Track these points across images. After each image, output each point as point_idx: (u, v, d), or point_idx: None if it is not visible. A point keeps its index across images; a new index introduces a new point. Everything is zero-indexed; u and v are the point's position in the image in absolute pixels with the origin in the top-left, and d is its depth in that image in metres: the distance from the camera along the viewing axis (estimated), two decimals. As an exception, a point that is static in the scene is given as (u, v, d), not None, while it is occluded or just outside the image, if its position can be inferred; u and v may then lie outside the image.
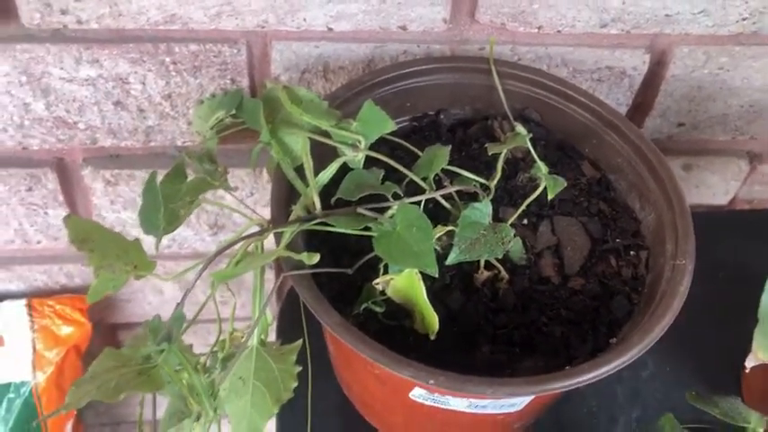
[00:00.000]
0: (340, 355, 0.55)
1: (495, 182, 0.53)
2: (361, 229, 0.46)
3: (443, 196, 0.50)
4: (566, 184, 0.52)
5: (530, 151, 0.58)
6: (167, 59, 0.60)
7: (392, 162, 0.49)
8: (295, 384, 0.54)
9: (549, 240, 0.54)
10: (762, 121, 0.73)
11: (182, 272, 0.48)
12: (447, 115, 0.61)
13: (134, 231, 0.75)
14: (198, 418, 0.46)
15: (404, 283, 0.46)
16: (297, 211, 0.48)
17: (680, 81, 0.67)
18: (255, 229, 0.48)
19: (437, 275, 0.44)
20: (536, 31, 0.61)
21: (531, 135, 0.55)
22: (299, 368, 0.54)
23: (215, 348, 0.55)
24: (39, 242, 0.75)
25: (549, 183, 0.51)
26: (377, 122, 0.49)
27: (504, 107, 0.58)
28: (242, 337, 0.54)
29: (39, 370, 0.76)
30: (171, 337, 0.44)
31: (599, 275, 0.52)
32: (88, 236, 0.48)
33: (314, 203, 0.48)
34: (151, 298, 0.84)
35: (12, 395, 0.76)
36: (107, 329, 0.88)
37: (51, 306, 0.77)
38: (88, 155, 0.68)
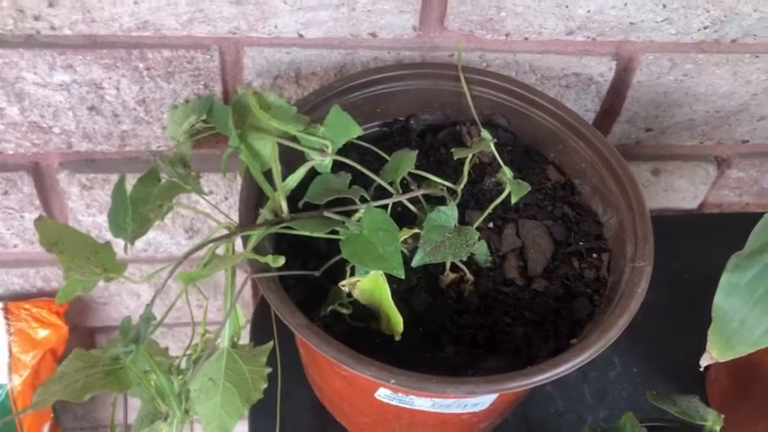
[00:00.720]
0: (309, 357, 0.56)
1: (462, 186, 0.54)
2: (327, 233, 0.47)
3: (410, 200, 0.51)
4: (529, 189, 0.53)
5: (493, 160, 0.59)
6: (141, 65, 0.61)
7: (359, 166, 0.50)
8: (265, 385, 0.54)
9: (514, 243, 0.55)
10: (727, 127, 0.75)
11: (152, 274, 0.48)
12: (417, 121, 0.62)
13: (109, 236, 0.75)
14: (166, 419, 0.47)
15: (369, 285, 0.47)
16: (264, 214, 0.49)
17: (646, 87, 0.69)
18: (224, 232, 0.49)
19: (403, 277, 0.45)
20: (504, 38, 0.63)
21: (496, 140, 0.56)
22: (270, 369, 0.55)
23: (188, 351, 0.55)
24: (15, 246, 0.76)
25: (513, 187, 0.52)
26: (344, 127, 0.50)
27: (472, 113, 0.60)
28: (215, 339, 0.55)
29: (15, 373, 0.77)
30: (139, 338, 0.45)
31: (562, 277, 0.54)
32: (59, 238, 0.49)
33: (281, 207, 0.49)
34: (128, 301, 0.84)
35: (-13, 398, 0.76)
36: (84, 333, 0.88)
37: (28, 309, 0.78)
38: (64, 159, 0.69)
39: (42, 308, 0.78)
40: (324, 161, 0.50)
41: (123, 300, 0.84)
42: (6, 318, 0.77)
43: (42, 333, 0.78)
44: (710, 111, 0.73)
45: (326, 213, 0.47)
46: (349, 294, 0.49)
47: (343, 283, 0.47)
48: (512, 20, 0.61)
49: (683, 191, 0.82)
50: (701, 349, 0.52)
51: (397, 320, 0.46)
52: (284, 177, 0.51)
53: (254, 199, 0.51)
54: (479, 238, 0.51)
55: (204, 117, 0.55)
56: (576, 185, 0.59)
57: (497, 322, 0.51)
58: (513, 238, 0.55)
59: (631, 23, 0.62)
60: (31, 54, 0.59)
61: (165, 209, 0.51)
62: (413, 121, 0.62)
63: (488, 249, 0.54)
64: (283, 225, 0.47)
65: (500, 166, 0.56)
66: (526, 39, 0.63)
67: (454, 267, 0.53)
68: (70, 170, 0.69)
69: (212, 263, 0.45)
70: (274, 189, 0.49)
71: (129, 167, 0.70)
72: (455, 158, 0.53)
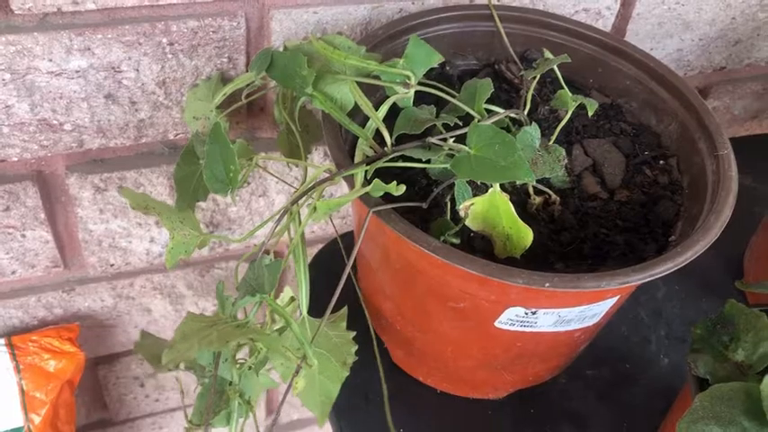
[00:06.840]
0: (408, 303, 0.53)
1: (526, 113, 0.54)
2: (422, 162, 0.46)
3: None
4: (597, 104, 0.54)
5: (540, 89, 0.60)
6: (164, 40, 0.57)
7: (444, 95, 0.49)
8: (356, 348, 0.52)
9: (585, 162, 0.55)
10: (708, 55, 0.80)
11: (258, 226, 0.45)
12: (452, 66, 0.62)
13: (123, 243, 0.70)
14: (298, 372, 0.44)
15: (484, 205, 0.46)
16: (361, 151, 0.47)
17: (643, 20, 0.72)
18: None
19: (534, 183, 0.44)
20: (522, -23, 0.64)
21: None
22: (354, 333, 0.52)
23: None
24: (13, 272, 0.69)
25: (587, 103, 0.53)
26: (424, 57, 0.49)
27: (506, 51, 0.60)
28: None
29: (32, 413, 0.69)
30: (265, 286, 0.41)
31: (639, 186, 0.55)
32: (147, 204, 0.45)
33: (374, 144, 0.47)
34: (138, 319, 0.78)
35: (5, 446, 0.68)
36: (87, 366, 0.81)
37: (36, 341, 0.70)
38: (70, 162, 0.63)
39: (52, 336, 0.71)
40: (408, 93, 0.49)
41: (133, 318, 0.78)
42: (13, 354, 0.69)
43: (56, 364, 0.70)
44: (695, 39, 0.77)
45: (430, 140, 0.46)
46: (457, 222, 0.47)
47: (461, 206, 0.46)
48: (529, -42, 0.63)
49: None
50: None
51: (525, 233, 0.45)
52: (366, 119, 0.49)
53: (340, 142, 0.49)
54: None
55: (262, 74, 0.52)
56: (621, 105, 0.60)
57: (596, 234, 0.51)
58: (583, 158, 0.56)
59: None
60: (47, 38, 0.54)
61: (251, 167, 0.48)
62: (448, 67, 0.62)
63: (565, 171, 0.54)
64: (390, 157, 0.46)
65: (549, 96, 0.57)
66: (541, -24, 0.65)
67: (536, 192, 0.53)
68: (81, 173, 0.64)
69: (341, 196, 0.43)
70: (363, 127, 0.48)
71: (143, 162, 0.65)
72: (528, 78, 0.53)
